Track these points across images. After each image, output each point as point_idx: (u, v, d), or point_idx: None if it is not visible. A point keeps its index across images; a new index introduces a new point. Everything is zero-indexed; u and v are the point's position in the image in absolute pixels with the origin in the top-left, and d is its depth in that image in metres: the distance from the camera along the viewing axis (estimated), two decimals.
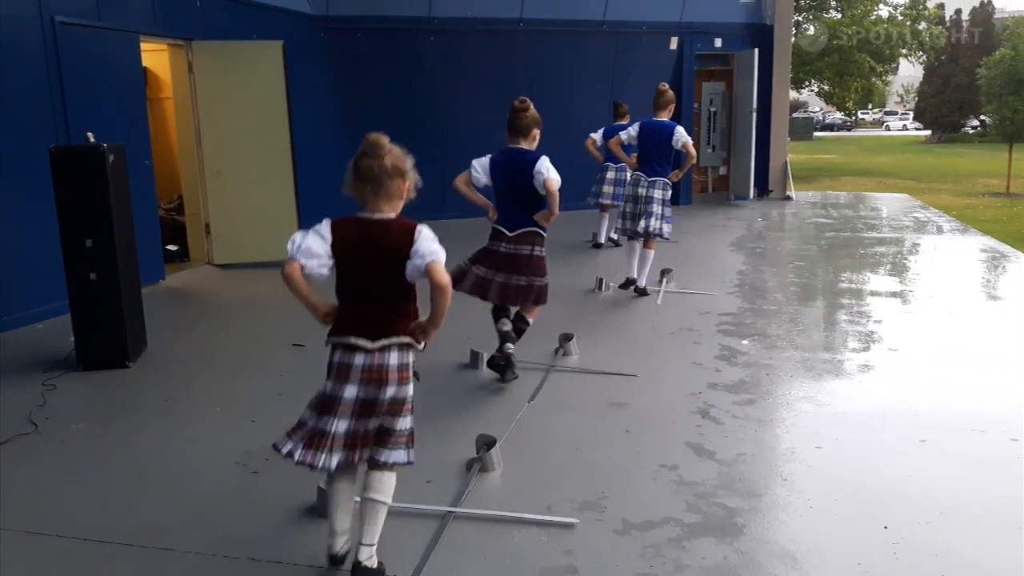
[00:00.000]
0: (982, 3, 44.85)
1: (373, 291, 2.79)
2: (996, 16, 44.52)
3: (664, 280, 7.37)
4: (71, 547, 3.12)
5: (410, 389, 2.81)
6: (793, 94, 29.35)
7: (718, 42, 13.27)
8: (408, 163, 2.78)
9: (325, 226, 2.78)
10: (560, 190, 4.59)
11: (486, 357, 5.00)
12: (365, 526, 2.79)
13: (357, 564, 2.76)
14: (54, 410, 4.55)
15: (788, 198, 14.06)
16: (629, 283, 7.00)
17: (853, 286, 7.49)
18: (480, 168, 4.78)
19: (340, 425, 2.74)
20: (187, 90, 8.35)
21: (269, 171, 8.50)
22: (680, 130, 6.72)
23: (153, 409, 4.60)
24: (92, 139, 5.12)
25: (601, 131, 8.94)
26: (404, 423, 2.82)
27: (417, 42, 11.30)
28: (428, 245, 2.69)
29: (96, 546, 3.12)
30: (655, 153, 6.81)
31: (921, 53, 27.93)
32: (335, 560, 2.87)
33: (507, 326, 4.86)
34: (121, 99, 7.32)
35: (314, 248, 2.76)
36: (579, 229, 9.90)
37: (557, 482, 3.55)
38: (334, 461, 2.73)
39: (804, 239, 10.25)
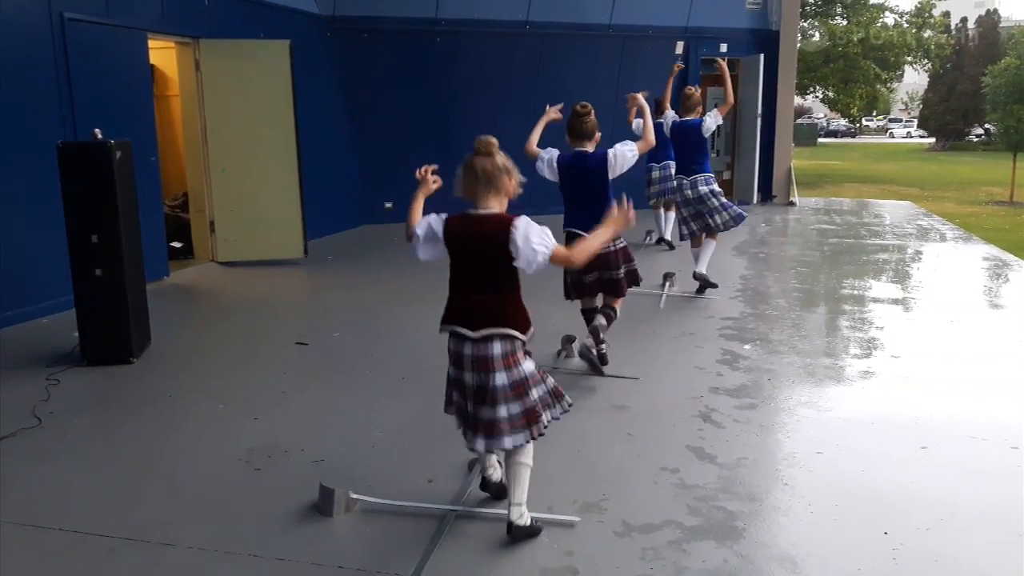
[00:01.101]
0: (988, 11, 44.84)
1: (477, 282, 2.97)
2: (1002, 24, 44.51)
3: (667, 283, 7.38)
4: (73, 541, 3.14)
5: (524, 369, 2.98)
6: (798, 100, 29.37)
7: (724, 47, 13.28)
8: (512, 163, 3.00)
9: (438, 220, 3.01)
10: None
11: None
12: (513, 487, 3.05)
13: (511, 524, 3.02)
14: (58, 405, 4.57)
15: (791, 204, 14.06)
16: (705, 283, 7.09)
17: (855, 292, 7.49)
18: (547, 159, 4.96)
19: (488, 412, 2.94)
20: (194, 88, 8.38)
21: (274, 170, 8.53)
22: (707, 120, 6.89)
23: (156, 405, 4.62)
24: (99, 135, 5.15)
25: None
26: (526, 403, 2.96)
27: (424, 43, 11.32)
28: (537, 238, 2.85)
29: (98, 540, 3.13)
30: (690, 151, 6.99)
31: (926, 61, 27.94)
32: (487, 486, 3.25)
33: (601, 321, 5.02)
34: (128, 96, 7.35)
35: (429, 236, 3.02)
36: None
37: (558, 483, 3.56)
38: (479, 444, 2.99)
39: (807, 245, 10.25)
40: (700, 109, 7.05)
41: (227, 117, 8.37)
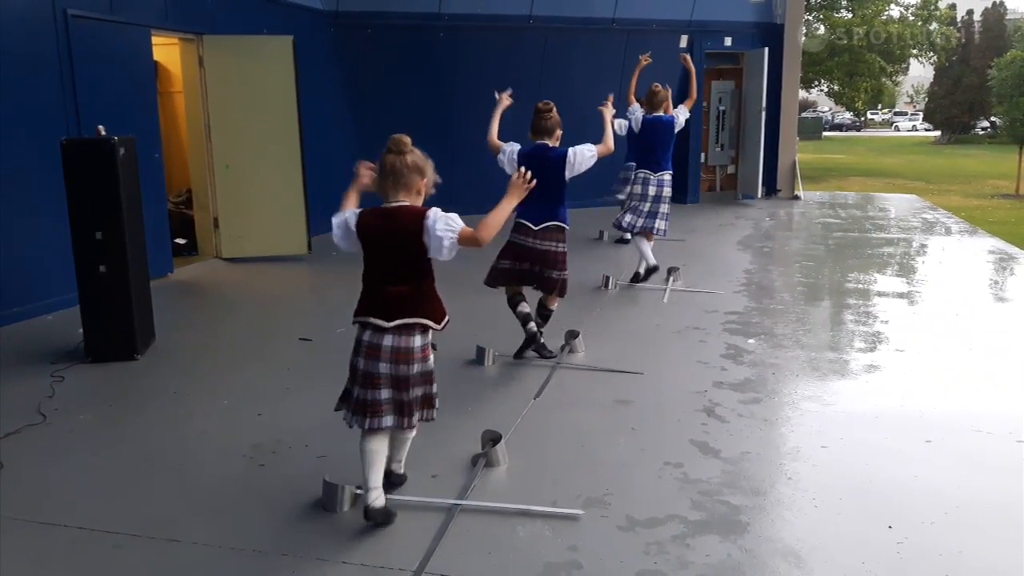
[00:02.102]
0: (994, 3, 44.63)
1: (391, 274, 3.06)
2: (1008, 17, 44.29)
3: (671, 278, 7.38)
4: (78, 537, 3.15)
5: (431, 362, 3.16)
6: (802, 93, 29.27)
7: (728, 41, 13.24)
8: (428, 164, 3.08)
9: (352, 215, 3.10)
10: (576, 178, 4.94)
11: (492, 353, 5.09)
12: (399, 454, 3.39)
13: (390, 472, 3.33)
14: (63, 401, 4.58)
15: (796, 198, 14.02)
16: (650, 271, 7.15)
17: (860, 286, 7.48)
18: (508, 152, 5.02)
19: (382, 395, 3.06)
20: (197, 84, 8.38)
21: (278, 166, 8.53)
22: (679, 117, 6.94)
23: (161, 401, 4.63)
24: (103, 132, 5.16)
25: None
26: (427, 390, 3.17)
27: (427, 38, 11.30)
28: (443, 224, 2.97)
29: (103, 536, 3.14)
30: (658, 147, 6.97)
31: (932, 54, 27.80)
32: (369, 514, 3.09)
33: (526, 307, 5.10)
34: (132, 93, 7.35)
35: (344, 230, 3.12)
36: (586, 226, 9.91)
37: (562, 478, 3.56)
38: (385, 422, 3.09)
39: (812, 239, 10.23)
40: (667, 105, 7.03)
41: (231, 113, 8.38)
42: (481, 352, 5.17)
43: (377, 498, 3.10)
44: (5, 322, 6.05)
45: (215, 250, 8.68)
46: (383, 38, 10.98)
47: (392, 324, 3.01)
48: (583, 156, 4.88)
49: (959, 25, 38.94)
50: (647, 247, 7.18)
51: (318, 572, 2.89)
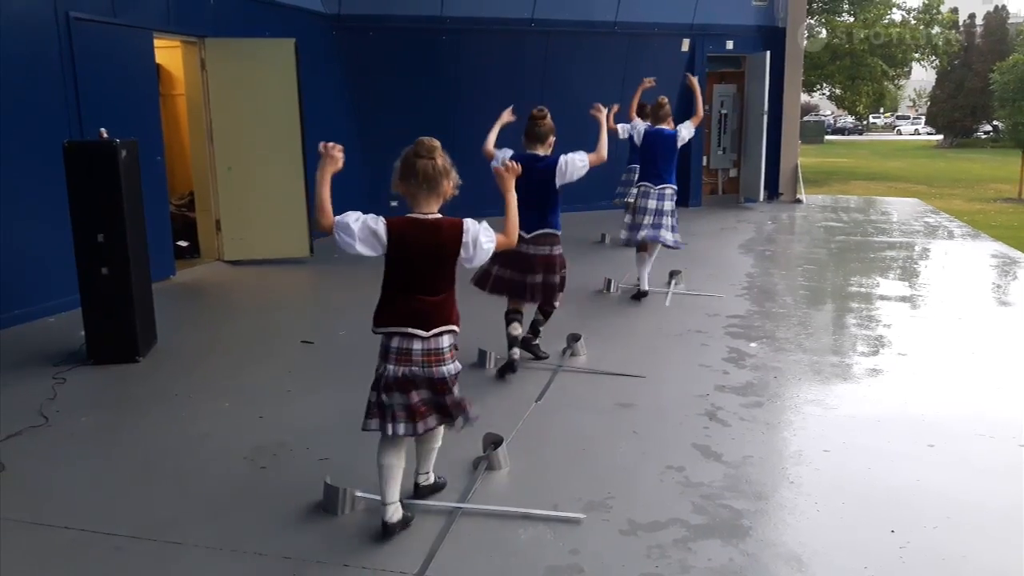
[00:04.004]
0: (996, 7, 44.61)
1: (427, 284, 3.05)
2: (1010, 21, 44.27)
3: (673, 281, 7.37)
4: (80, 539, 3.14)
5: (457, 364, 3.14)
6: (805, 97, 29.27)
7: (730, 44, 13.25)
8: (452, 166, 3.04)
9: (377, 222, 3.02)
10: (577, 181, 4.93)
11: (494, 356, 5.09)
12: (425, 462, 3.35)
13: (417, 485, 3.34)
14: (64, 403, 4.58)
15: (798, 201, 14.02)
16: (642, 295, 6.98)
17: (863, 290, 7.47)
18: (500, 158, 4.87)
19: (413, 399, 3.03)
20: (199, 87, 8.39)
21: (280, 168, 8.54)
22: (683, 131, 6.82)
23: (162, 403, 4.62)
24: (105, 135, 5.16)
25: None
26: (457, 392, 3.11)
27: (429, 41, 11.32)
28: (484, 237, 3.03)
29: (104, 538, 3.14)
30: (660, 160, 6.86)
31: (934, 57, 27.81)
32: (388, 530, 3.06)
33: (517, 330, 5.00)
34: (134, 95, 7.36)
35: (367, 236, 3.06)
36: (588, 229, 9.91)
37: (563, 481, 3.56)
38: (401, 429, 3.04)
39: (814, 242, 10.22)
40: (671, 119, 6.93)
41: (233, 116, 8.39)
42: (483, 355, 5.17)
43: (394, 513, 3.07)
44: (7, 324, 6.05)
45: (217, 252, 8.69)
46: (385, 41, 11.00)
47: (430, 333, 3.01)
48: (574, 165, 4.84)
49: (961, 29, 38.93)
50: (645, 268, 7.00)
51: (319, 575, 2.88)
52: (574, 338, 5.41)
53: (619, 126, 7.54)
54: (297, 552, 3.01)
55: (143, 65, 7.56)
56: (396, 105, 11.13)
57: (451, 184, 3.01)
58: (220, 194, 8.55)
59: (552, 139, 4.96)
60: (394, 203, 12.01)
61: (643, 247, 6.97)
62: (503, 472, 3.66)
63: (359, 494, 3.32)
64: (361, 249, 3.05)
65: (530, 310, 5.18)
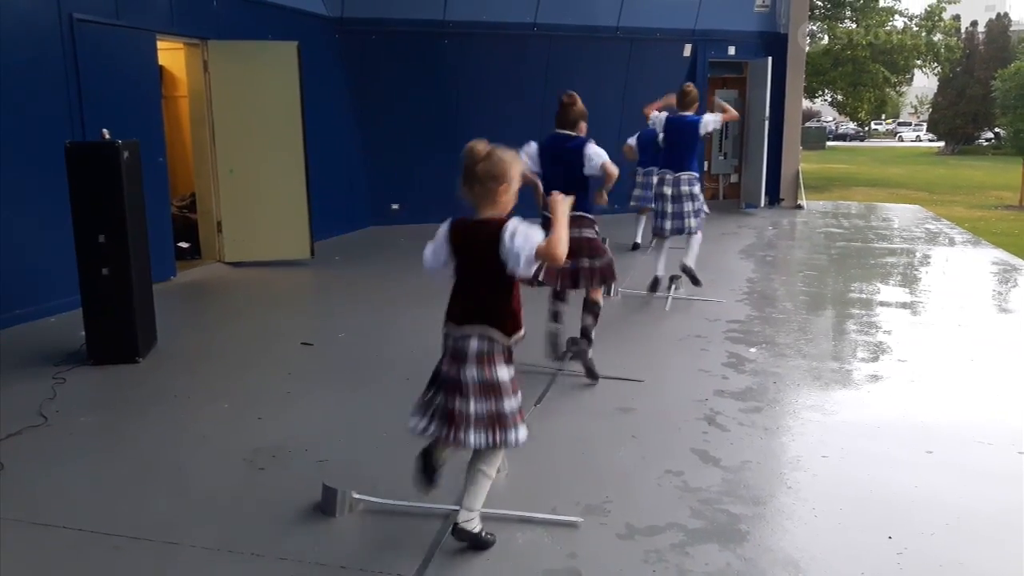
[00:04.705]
0: (998, 15, 44.66)
1: (470, 283, 2.97)
2: (1012, 28, 44.32)
3: (673, 286, 7.37)
4: (78, 539, 3.15)
5: (498, 373, 2.92)
6: (806, 103, 29.28)
7: (732, 50, 13.27)
8: (509, 165, 2.91)
9: (445, 225, 2.99)
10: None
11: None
12: (467, 492, 3.01)
13: (456, 525, 2.99)
14: (64, 403, 4.59)
15: (799, 207, 14.03)
16: (656, 284, 7.00)
17: (863, 296, 7.47)
18: (528, 156, 4.89)
19: (456, 403, 2.91)
20: (202, 89, 8.41)
21: (282, 171, 8.55)
22: (707, 117, 6.79)
23: (162, 404, 4.63)
24: (107, 136, 5.17)
25: (636, 136, 9.15)
26: (495, 406, 2.92)
27: (431, 45, 11.33)
28: (520, 239, 2.80)
29: (103, 538, 3.14)
30: (681, 148, 6.87)
31: (936, 64, 27.80)
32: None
33: (558, 327, 5.08)
34: (137, 97, 7.38)
35: (438, 238, 2.98)
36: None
37: (562, 485, 3.56)
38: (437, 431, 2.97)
39: (814, 248, 10.22)
40: (697, 106, 6.92)
41: (235, 118, 8.40)
42: None
43: (468, 520, 2.99)
44: (8, 324, 6.06)
45: (218, 254, 8.69)
46: (388, 45, 11.02)
47: (464, 327, 2.92)
48: (598, 155, 4.77)
49: (963, 36, 38.93)
50: (662, 258, 7.05)
51: None
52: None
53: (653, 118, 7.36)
54: (295, 553, 3.01)
55: (146, 67, 7.58)
56: (398, 108, 11.16)
57: (504, 187, 2.89)
58: (221, 196, 8.56)
59: (583, 124, 4.92)
60: (395, 206, 12.09)
61: (662, 237, 7.04)
62: (501, 475, 3.64)
63: (357, 496, 3.32)
64: (432, 261, 3.00)
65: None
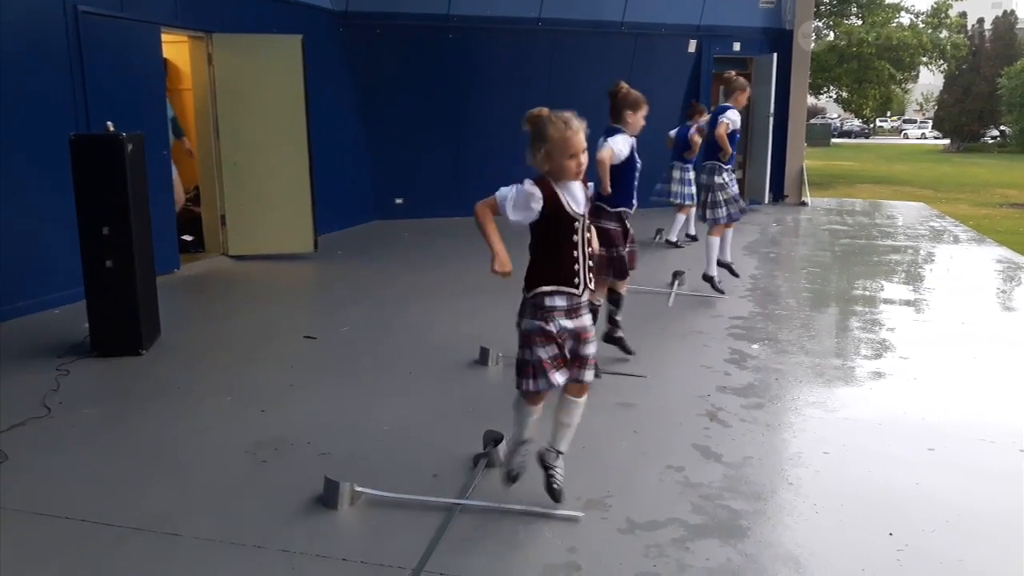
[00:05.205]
0: (1004, 12, 44.51)
1: None
2: (1019, 26, 44.17)
3: (676, 282, 7.37)
4: (80, 529, 3.16)
5: (523, 325, 3.14)
6: (811, 100, 29.22)
7: (737, 46, 13.24)
8: (547, 125, 2.98)
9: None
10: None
11: (496, 354, 5.09)
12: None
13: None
14: (67, 395, 4.60)
15: (803, 204, 14.01)
16: (707, 278, 7.05)
17: (866, 293, 7.46)
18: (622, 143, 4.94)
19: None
20: (206, 82, 8.42)
21: (285, 164, 8.56)
22: (727, 114, 6.76)
23: (164, 396, 4.64)
24: (112, 128, 5.18)
25: (675, 131, 9.29)
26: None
27: (435, 40, 11.33)
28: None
29: (105, 529, 3.15)
30: (712, 139, 6.95)
31: (942, 61, 27.71)
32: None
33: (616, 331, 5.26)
34: (141, 89, 7.39)
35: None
36: None
37: (563, 479, 3.55)
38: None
39: (818, 245, 10.21)
40: (739, 95, 6.79)
41: (239, 111, 8.41)
42: (484, 353, 5.18)
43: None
44: (12, 315, 6.08)
45: (221, 247, 8.71)
46: (392, 38, 11.01)
47: None
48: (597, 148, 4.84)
49: (969, 33, 38.81)
50: (713, 250, 7.05)
51: (317, 569, 2.89)
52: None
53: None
54: (296, 546, 3.02)
55: (150, 59, 7.59)
56: (402, 103, 11.15)
57: (544, 148, 2.98)
58: (225, 189, 8.57)
59: (627, 112, 4.92)
60: (399, 200, 12.08)
61: (715, 231, 7.03)
62: (503, 469, 3.66)
63: (359, 489, 3.33)
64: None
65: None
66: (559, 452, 3.32)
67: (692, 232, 9.97)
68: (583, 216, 3.09)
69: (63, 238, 5.75)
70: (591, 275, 3.14)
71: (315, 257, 8.77)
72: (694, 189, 9.35)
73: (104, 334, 5.27)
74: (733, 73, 7.01)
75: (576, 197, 3.07)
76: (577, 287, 3.08)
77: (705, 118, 8.66)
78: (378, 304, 6.88)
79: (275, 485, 3.52)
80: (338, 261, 8.76)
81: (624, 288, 5.20)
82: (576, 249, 3.08)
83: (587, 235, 3.12)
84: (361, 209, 11.17)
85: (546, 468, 3.31)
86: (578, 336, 3.15)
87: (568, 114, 3.01)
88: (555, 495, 3.29)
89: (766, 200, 13.48)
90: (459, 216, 11.92)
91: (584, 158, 3.02)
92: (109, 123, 5.22)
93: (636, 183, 5.02)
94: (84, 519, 3.22)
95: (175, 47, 8.79)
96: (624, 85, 4.95)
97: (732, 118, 6.77)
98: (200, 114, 8.62)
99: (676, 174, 9.52)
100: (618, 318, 5.25)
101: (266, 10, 9.05)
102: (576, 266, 3.08)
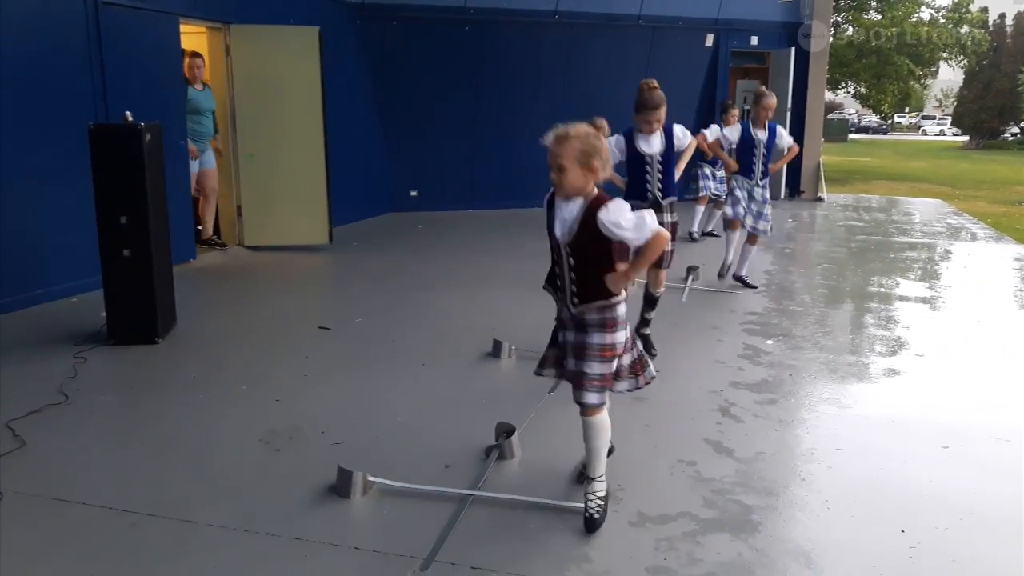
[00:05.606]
0: None
1: None
2: None
3: (690, 277, 7.36)
4: (96, 515, 3.20)
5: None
6: (829, 95, 28.98)
7: (754, 40, 13.17)
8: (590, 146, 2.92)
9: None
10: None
11: (509, 347, 5.11)
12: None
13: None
14: (84, 382, 4.65)
15: (819, 200, 13.93)
16: (724, 267, 7.44)
17: (882, 290, 7.42)
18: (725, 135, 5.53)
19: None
20: (224, 73, 8.45)
21: (302, 156, 8.58)
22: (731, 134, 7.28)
23: (180, 385, 4.68)
24: (130, 118, 5.21)
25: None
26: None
27: (452, 32, 11.32)
28: None
29: (120, 515, 3.19)
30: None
31: (962, 57, 27.45)
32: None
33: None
34: (160, 80, 7.42)
35: None
36: None
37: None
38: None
39: (834, 241, 10.16)
40: (763, 113, 7.12)
41: (256, 103, 8.44)
42: (498, 346, 5.19)
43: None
44: (30, 303, 6.14)
45: (237, 238, 8.76)
46: (408, 31, 11.02)
47: None
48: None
49: (990, 28, 38.36)
50: (732, 245, 7.39)
51: (330, 557, 2.92)
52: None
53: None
54: (309, 534, 3.04)
55: (169, 50, 7.62)
56: (418, 95, 11.16)
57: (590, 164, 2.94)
58: (242, 180, 8.61)
59: (664, 108, 5.02)
60: (413, 192, 12.09)
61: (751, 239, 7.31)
62: (515, 461, 3.68)
63: (372, 478, 3.35)
64: None
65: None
66: (590, 478, 3.18)
67: (711, 228, 10.00)
68: (560, 237, 3.03)
69: (81, 227, 5.80)
70: (575, 296, 3.08)
71: (330, 249, 8.80)
72: (713, 183, 9.39)
73: (121, 323, 5.32)
74: (764, 88, 7.28)
75: (562, 215, 3.03)
76: (563, 300, 3.14)
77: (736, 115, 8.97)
78: (392, 296, 6.91)
79: (289, 474, 3.55)
80: (353, 253, 8.79)
81: (661, 289, 5.29)
82: (558, 266, 3.12)
83: (570, 260, 3.05)
84: (376, 201, 11.19)
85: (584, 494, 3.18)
86: (574, 351, 3.16)
87: (565, 124, 2.96)
88: (584, 524, 3.10)
89: (782, 196, 13.41)
90: (473, 209, 11.98)
91: (555, 175, 2.93)
92: (128, 113, 5.26)
93: (651, 176, 5.08)
94: (100, 505, 3.26)
95: (193, 38, 8.79)
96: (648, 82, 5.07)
97: (722, 133, 7.29)
98: (218, 105, 8.65)
99: (706, 170, 9.61)
100: (649, 316, 5.34)
101: (283, 2, 9.07)
102: (559, 281, 3.13)
